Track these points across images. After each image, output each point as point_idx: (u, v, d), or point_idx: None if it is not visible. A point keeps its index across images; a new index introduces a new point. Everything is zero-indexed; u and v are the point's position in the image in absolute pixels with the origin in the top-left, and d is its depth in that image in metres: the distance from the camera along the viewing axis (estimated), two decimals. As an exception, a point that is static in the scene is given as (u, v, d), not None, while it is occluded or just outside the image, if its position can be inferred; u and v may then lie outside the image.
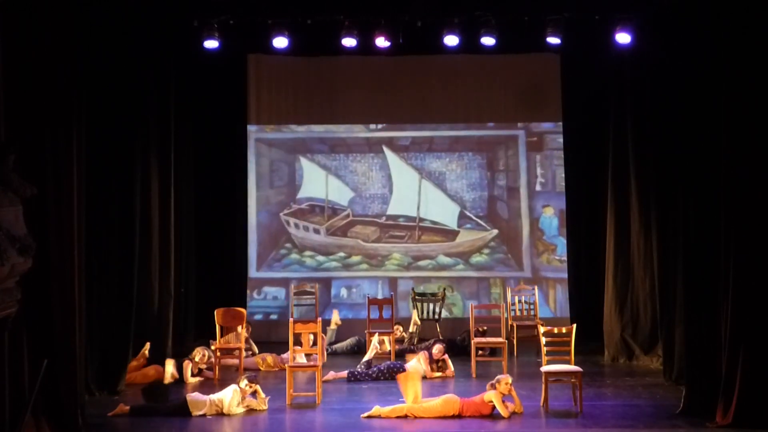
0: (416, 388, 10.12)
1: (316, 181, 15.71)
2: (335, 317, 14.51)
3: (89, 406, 9.95)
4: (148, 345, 12.19)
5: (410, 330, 13.90)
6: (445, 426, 9.68)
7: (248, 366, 12.52)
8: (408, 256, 15.53)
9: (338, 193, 15.66)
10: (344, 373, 11.90)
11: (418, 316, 14.10)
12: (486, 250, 15.57)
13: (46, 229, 8.89)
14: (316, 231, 15.65)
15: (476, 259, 15.58)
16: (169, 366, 11.91)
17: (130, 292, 11.53)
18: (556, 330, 10.43)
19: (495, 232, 15.53)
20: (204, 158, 14.90)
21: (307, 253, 15.60)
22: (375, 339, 12.66)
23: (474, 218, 15.58)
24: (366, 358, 12.29)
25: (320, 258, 15.65)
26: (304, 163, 15.72)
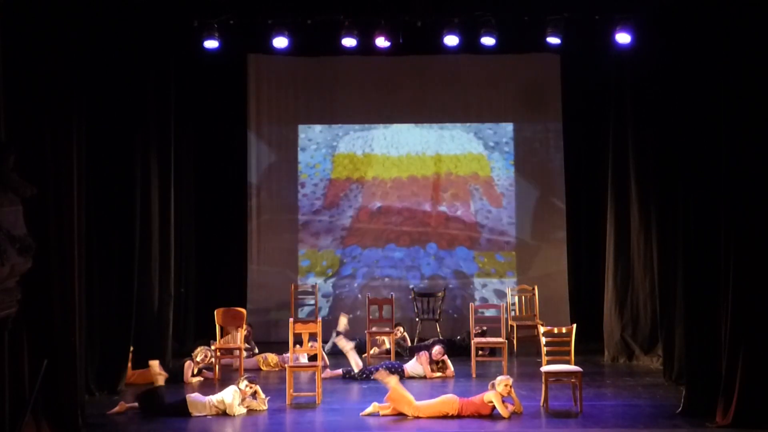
0: (403, 393, 9.96)
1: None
2: (343, 321, 11.97)
3: (89, 406, 9.98)
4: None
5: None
6: (444, 426, 9.68)
7: (249, 366, 12.52)
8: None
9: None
10: (339, 371, 11.90)
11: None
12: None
13: (46, 229, 8.91)
14: None
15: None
16: (155, 368, 11.81)
17: (130, 292, 11.57)
18: (556, 330, 10.44)
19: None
20: (204, 158, 14.91)
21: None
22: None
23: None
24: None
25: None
26: None
